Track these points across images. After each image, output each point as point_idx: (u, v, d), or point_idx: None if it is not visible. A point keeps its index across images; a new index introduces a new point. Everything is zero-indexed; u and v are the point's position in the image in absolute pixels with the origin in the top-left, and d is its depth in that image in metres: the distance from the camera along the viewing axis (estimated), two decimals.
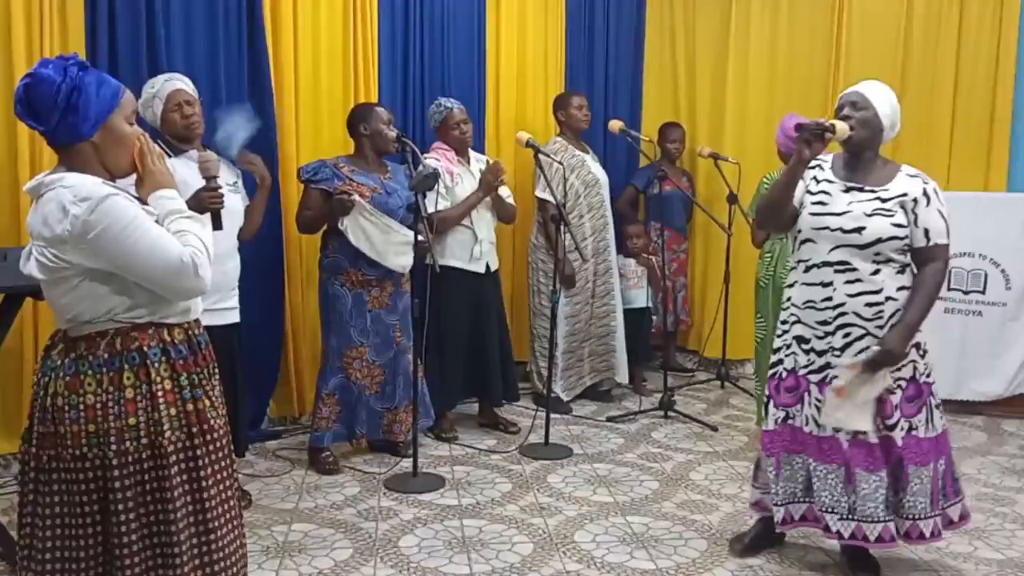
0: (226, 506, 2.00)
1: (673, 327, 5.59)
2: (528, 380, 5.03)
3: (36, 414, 1.89)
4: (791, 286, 2.85)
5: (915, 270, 2.75)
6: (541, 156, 4.27)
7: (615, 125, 4.80)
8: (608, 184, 4.96)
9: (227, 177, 3.33)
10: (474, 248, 4.24)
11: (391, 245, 3.75)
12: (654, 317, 5.27)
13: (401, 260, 3.78)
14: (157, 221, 1.91)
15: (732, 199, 4.84)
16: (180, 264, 1.83)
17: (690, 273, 5.77)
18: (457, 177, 4.21)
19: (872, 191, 2.72)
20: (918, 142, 5.12)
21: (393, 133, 3.83)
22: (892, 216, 2.67)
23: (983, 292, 4.80)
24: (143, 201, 1.95)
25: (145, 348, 1.88)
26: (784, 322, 2.87)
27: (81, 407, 1.84)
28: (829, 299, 2.72)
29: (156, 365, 1.89)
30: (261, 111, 4.03)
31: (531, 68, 5.27)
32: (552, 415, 4.33)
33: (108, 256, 1.81)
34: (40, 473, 1.88)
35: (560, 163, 4.55)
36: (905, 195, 2.69)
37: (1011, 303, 4.75)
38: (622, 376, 5.04)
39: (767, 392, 2.90)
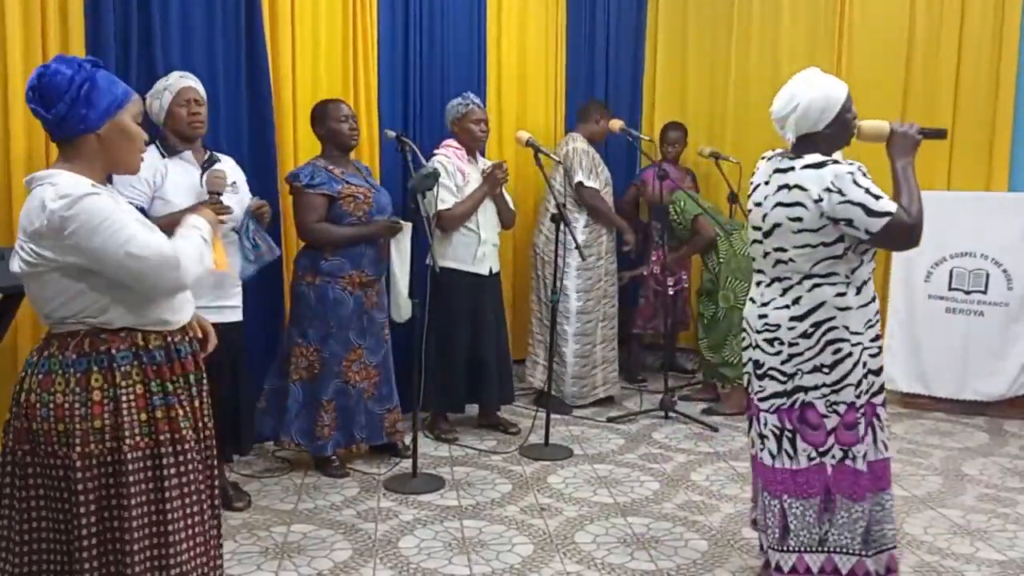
0: (191, 520, 1.97)
1: (673, 328, 5.57)
2: (530, 379, 5.01)
3: (12, 408, 1.92)
4: (856, 309, 2.48)
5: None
6: (541, 155, 4.26)
7: (616, 124, 4.81)
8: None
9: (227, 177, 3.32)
10: (477, 250, 4.23)
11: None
12: None
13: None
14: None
15: (733, 199, 4.84)
16: (160, 257, 1.84)
17: (692, 273, 5.75)
18: (468, 176, 4.21)
19: None
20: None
21: (353, 128, 3.78)
22: None
23: (985, 292, 4.79)
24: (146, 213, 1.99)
25: (114, 351, 1.88)
26: (874, 354, 2.53)
27: (51, 405, 1.85)
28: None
29: (124, 368, 1.89)
30: (259, 111, 4.03)
31: (531, 68, 5.27)
32: (552, 416, 4.32)
33: (82, 252, 1.81)
34: (16, 467, 1.90)
35: (559, 161, 4.55)
36: None
37: (1013, 303, 4.73)
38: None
39: (867, 421, 2.52)
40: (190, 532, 1.96)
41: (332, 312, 3.69)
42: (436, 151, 4.22)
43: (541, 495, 3.61)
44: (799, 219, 2.43)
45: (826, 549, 2.50)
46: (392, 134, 3.84)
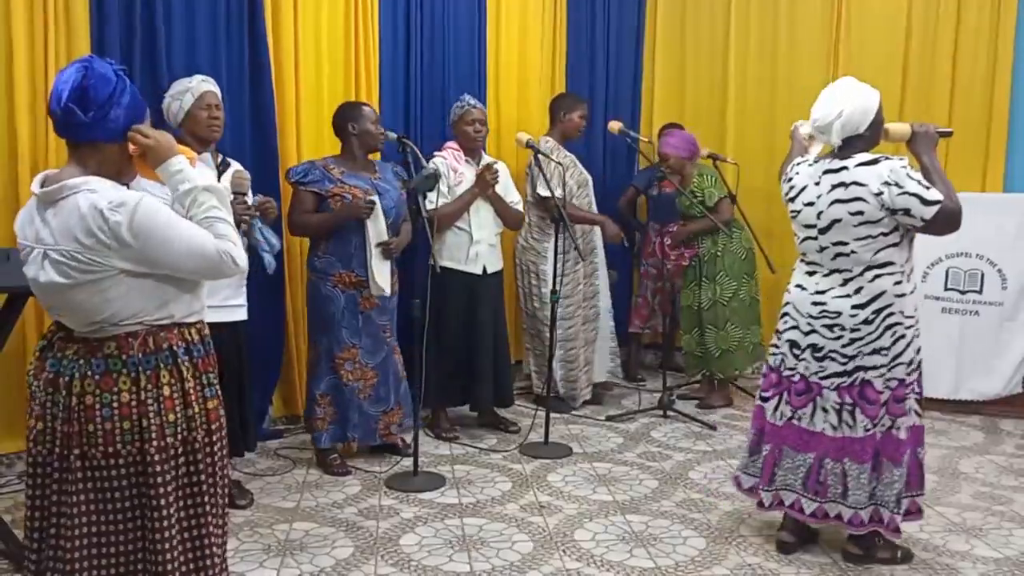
0: (225, 500, 2.09)
1: (671, 327, 5.60)
2: (527, 380, 5.04)
3: (57, 413, 1.91)
4: (909, 295, 2.81)
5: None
6: (541, 156, 4.29)
7: (614, 126, 4.81)
8: (592, 184, 4.98)
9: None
10: (470, 249, 4.25)
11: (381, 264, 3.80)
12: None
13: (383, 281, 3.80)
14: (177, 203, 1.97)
15: (731, 199, 4.86)
16: (219, 261, 1.93)
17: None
18: (460, 176, 4.22)
19: None
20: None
21: (382, 132, 3.84)
22: None
23: (980, 292, 4.83)
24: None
25: (175, 347, 1.95)
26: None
27: (115, 405, 1.88)
28: None
29: (185, 363, 1.96)
30: (262, 113, 4.06)
31: (531, 70, 5.29)
32: (552, 414, 4.35)
33: (152, 258, 1.87)
34: (65, 473, 1.90)
35: (559, 163, 4.56)
36: None
37: (1008, 303, 4.78)
38: (599, 375, 5.04)
39: (918, 396, 2.88)
40: (221, 511, 2.08)
41: (323, 308, 3.77)
42: (436, 152, 4.25)
43: (541, 493, 3.64)
44: (860, 212, 2.72)
45: (873, 502, 2.86)
46: (393, 136, 3.86)
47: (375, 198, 3.74)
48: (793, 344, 2.93)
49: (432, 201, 4.06)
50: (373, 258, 3.75)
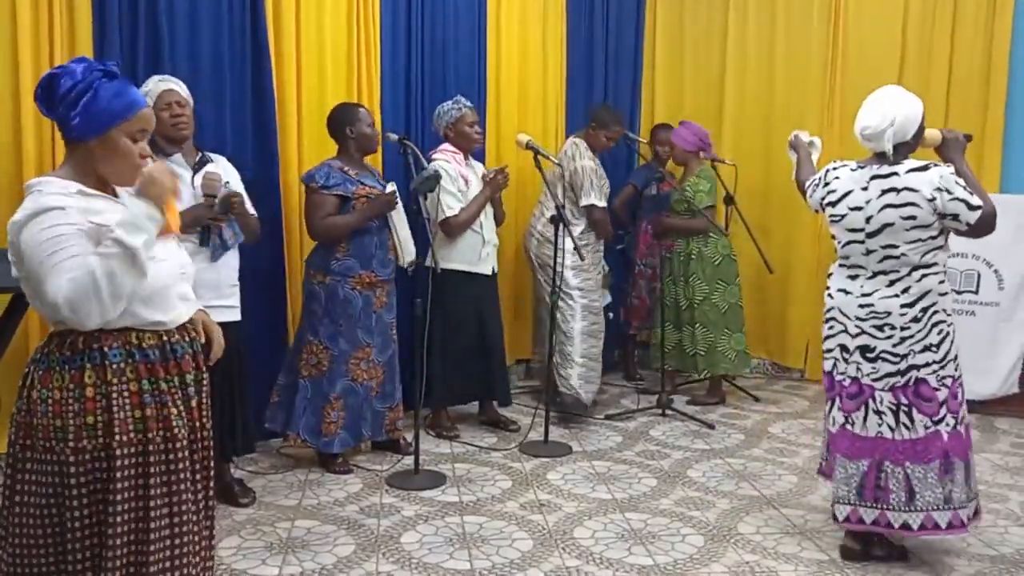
0: (177, 519, 1.97)
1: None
2: (531, 378, 5.05)
3: (16, 402, 1.96)
4: (949, 293, 2.89)
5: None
6: (540, 157, 4.31)
7: None
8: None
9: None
10: (482, 250, 4.28)
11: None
12: (610, 314, 5.27)
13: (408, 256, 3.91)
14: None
15: (729, 200, 4.89)
16: (50, 302, 1.80)
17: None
18: (469, 181, 4.25)
19: None
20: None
21: (379, 134, 3.90)
22: None
23: (976, 292, 4.86)
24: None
25: (106, 348, 1.89)
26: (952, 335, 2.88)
27: (50, 401, 1.88)
28: None
29: (117, 366, 1.90)
30: (263, 113, 4.08)
31: (531, 71, 5.31)
32: (552, 413, 4.37)
33: (26, 267, 1.84)
34: (16, 461, 1.93)
35: (559, 164, 4.58)
36: None
37: (1004, 303, 4.81)
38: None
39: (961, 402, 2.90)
40: (175, 531, 1.96)
41: (342, 311, 3.76)
42: (434, 155, 4.25)
43: (540, 491, 3.67)
44: (912, 217, 2.78)
45: (952, 507, 2.85)
46: (394, 137, 3.89)
47: (394, 186, 3.80)
48: (843, 348, 2.94)
49: (451, 207, 4.10)
50: (400, 231, 3.83)
